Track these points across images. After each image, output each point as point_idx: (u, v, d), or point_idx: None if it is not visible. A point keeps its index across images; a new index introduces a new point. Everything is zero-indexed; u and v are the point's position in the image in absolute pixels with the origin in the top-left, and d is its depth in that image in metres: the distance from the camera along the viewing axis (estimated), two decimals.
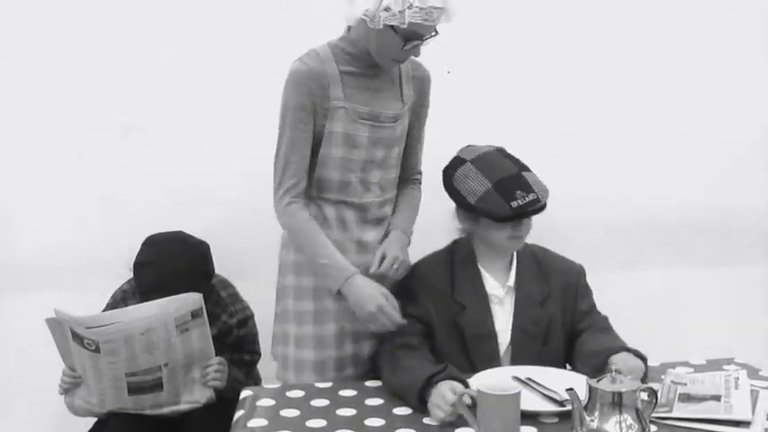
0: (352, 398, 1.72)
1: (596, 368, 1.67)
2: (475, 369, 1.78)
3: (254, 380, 2.21)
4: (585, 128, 2.74)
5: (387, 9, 1.71)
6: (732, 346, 2.10)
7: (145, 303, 1.90)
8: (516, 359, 1.87)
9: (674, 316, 2.80)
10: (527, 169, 1.89)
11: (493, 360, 1.85)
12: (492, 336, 1.87)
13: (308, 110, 1.82)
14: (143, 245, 2.07)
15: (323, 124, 1.84)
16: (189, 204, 2.55)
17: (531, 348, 1.87)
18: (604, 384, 1.41)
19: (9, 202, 2.56)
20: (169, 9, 2.53)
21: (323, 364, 1.90)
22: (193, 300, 1.88)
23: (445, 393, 1.56)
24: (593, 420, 1.39)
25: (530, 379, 1.72)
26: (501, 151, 1.92)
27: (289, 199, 1.85)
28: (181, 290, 1.89)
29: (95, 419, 2.04)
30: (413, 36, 1.76)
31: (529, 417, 1.55)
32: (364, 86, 1.87)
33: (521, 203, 1.80)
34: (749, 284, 2.91)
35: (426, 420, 1.58)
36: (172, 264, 2.01)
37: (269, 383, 1.93)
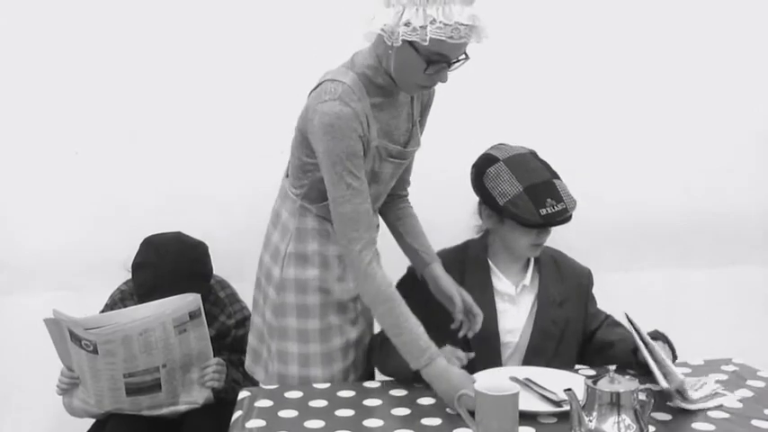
0: (351, 399, 1.71)
1: (625, 353, 1.80)
2: (474, 369, 1.78)
3: (252, 381, 2.21)
4: (585, 129, 2.74)
5: (407, 24, 1.53)
6: (731, 347, 2.10)
7: (143, 304, 1.89)
8: (530, 358, 1.88)
9: (672, 317, 2.80)
10: (558, 177, 1.87)
11: (494, 360, 1.85)
12: (494, 336, 1.88)
13: (361, 154, 1.66)
14: (141, 246, 2.07)
15: None
16: (187, 205, 2.55)
17: (546, 348, 1.89)
18: (603, 385, 1.40)
19: (7, 202, 2.56)
20: (168, 12, 2.53)
21: (331, 378, 1.86)
22: (191, 300, 1.88)
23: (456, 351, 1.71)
24: (591, 421, 1.39)
25: (528, 379, 1.72)
26: (533, 154, 1.90)
27: (369, 256, 1.67)
28: (179, 291, 1.89)
29: (94, 420, 2.04)
30: (437, 58, 1.57)
31: (527, 417, 1.54)
32: (389, 117, 1.74)
33: (550, 212, 1.79)
34: (748, 285, 2.91)
35: (425, 421, 1.58)
36: (170, 265, 2.00)
37: (267, 384, 1.93)
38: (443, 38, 1.52)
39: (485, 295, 1.88)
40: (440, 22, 1.51)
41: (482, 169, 1.87)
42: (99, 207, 2.57)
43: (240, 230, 2.58)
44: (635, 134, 2.77)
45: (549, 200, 1.79)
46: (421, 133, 1.91)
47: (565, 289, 1.93)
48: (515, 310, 1.91)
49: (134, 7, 2.51)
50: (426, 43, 1.53)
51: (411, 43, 1.55)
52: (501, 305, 1.90)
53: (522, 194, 1.80)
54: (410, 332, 1.65)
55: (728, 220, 2.88)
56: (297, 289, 1.83)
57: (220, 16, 2.55)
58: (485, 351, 1.85)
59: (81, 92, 2.53)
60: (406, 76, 1.64)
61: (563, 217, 1.82)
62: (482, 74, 2.62)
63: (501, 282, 1.91)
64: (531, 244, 1.86)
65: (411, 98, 1.83)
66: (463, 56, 1.61)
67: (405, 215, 1.98)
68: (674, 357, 1.81)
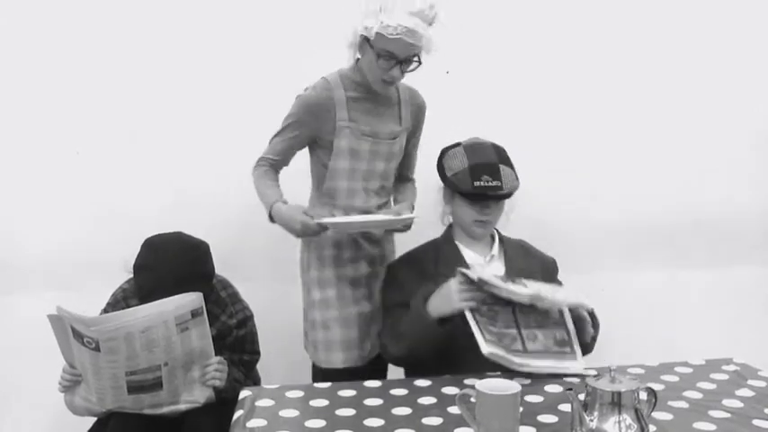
0: (352, 398, 1.72)
1: None
2: (464, 331, 1.85)
3: (253, 380, 2.21)
4: (586, 130, 2.75)
5: (365, 27, 1.98)
6: (731, 347, 2.11)
7: (146, 304, 1.89)
8: None
9: (672, 317, 2.81)
10: (507, 164, 2.05)
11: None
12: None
13: (305, 125, 2.13)
14: (142, 247, 2.06)
15: (331, 140, 2.12)
16: (189, 204, 2.56)
17: None
18: (604, 384, 1.41)
19: (8, 202, 2.56)
20: (168, 12, 2.53)
21: (348, 343, 2.18)
22: (194, 299, 1.88)
23: (450, 283, 1.83)
24: (592, 420, 1.39)
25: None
26: (496, 146, 2.09)
27: (260, 163, 2.20)
28: (180, 291, 1.88)
29: (95, 419, 2.03)
30: (385, 54, 1.98)
31: (527, 414, 1.55)
32: (367, 109, 2.14)
33: (482, 185, 1.99)
34: (748, 285, 2.91)
35: (426, 421, 1.58)
36: (170, 266, 2.00)
37: (268, 384, 1.93)
38: (384, 33, 1.94)
39: (460, 263, 2.00)
40: (386, 23, 1.93)
41: (444, 151, 2.13)
42: (100, 207, 2.57)
43: (242, 229, 2.59)
44: (635, 135, 2.78)
45: (486, 176, 2.00)
46: (419, 137, 2.29)
47: (530, 265, 2.08)
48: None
49: (134, 8, 2.52)
50: (372, 38, 1.97)
51: (368, 42, 1.99)
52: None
53: (465, 170, 2.02)
54: (263, 193, 2.14)
55: (728, 220, 2.89)
56: (318, 265, 2.21)
57: (218, 19, 2.55)
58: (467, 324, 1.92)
59: (82, 92, 2.53)
60: (368, 70, 2.06)
61: (494, 192, 2.00)
62: (483, 74, 2.64)
63: (469, 255, 2.07)
64: (475, 220, 2.03)
65: (399, 106, 2.20)
66: (416, 61, 2.01)
67: (399, 187, 2.32)
68: (595, 324, 1.94)
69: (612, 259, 2.79)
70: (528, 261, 2.10)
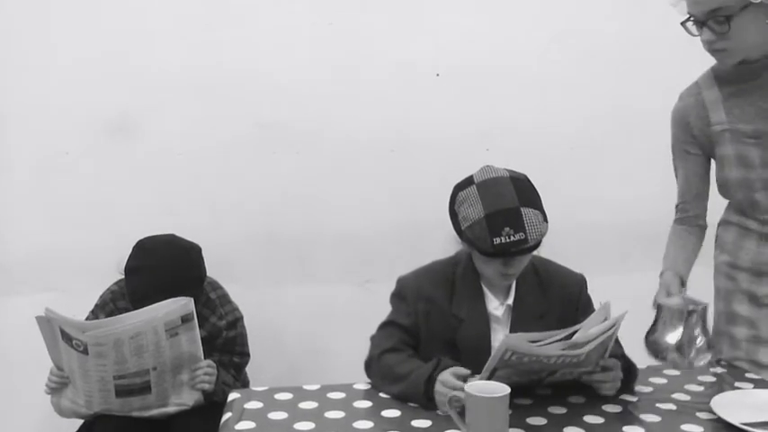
0: (341, 400, 1.71)
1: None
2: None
3: (242, 382, 2.21)
4: (581, 130, 2.75)
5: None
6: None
7: (136, 311, 1.88)
8: None
9: None
10: (531, 205, 1.75)
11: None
12: (486, 354, 1.77)
13: (685, 141, 1.95)
14: (134, 249, 2.06)
15: (712, 149, 1.89)
16: (178, 205, 2.55)
17: None
18: (672, 301, 1.62)
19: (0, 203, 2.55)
20: (162, 8, 2.52)
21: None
22: (184, 304, 1.87)
23: (446, 380, 1.61)
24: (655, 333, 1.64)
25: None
26: (515, 179, 1.77)
27: (675, 218, 2.07)
28: (172, 296, 1.88)
29: (81, 422, 2.03)
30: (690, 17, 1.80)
31: (514, 417, 1.55)
32: (748, 103, 1.83)
33: (503, 241, 1.69)
34: None
35: (415, 423, 1.58)
36: (163, 270, 1.99)
37: (257, 386, 1.93)
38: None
39: (479, 314, 1.84)
40: None
41: (456, 191, 1.82)
42: (89, 208, 2.56)
43: (232, 231, 2.59)
44: (630, 134, 2.78)
45: (507, 228, 1.69)
46: None
47: (546, 301, 1.86)
48: (502, 329, 1.85)
49: (130, 6, 2.51)
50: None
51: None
52: (492, 325, 1.85)
53: (481, 220, 1.71)
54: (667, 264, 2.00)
55: None
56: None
57: (218, 13, 2.55)
58: (476, 368, 1.73)
59: (71, 92, 2.52)
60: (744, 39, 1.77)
61: (519, 248, 1.70)
62: (477, 76, 2.64)
63: (491, 302, 1.86)
64: (498, 273, 1.77)
65: None
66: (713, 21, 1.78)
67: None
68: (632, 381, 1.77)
69: (607, 261, 2.80)
70: (543, 297, 1.86)
